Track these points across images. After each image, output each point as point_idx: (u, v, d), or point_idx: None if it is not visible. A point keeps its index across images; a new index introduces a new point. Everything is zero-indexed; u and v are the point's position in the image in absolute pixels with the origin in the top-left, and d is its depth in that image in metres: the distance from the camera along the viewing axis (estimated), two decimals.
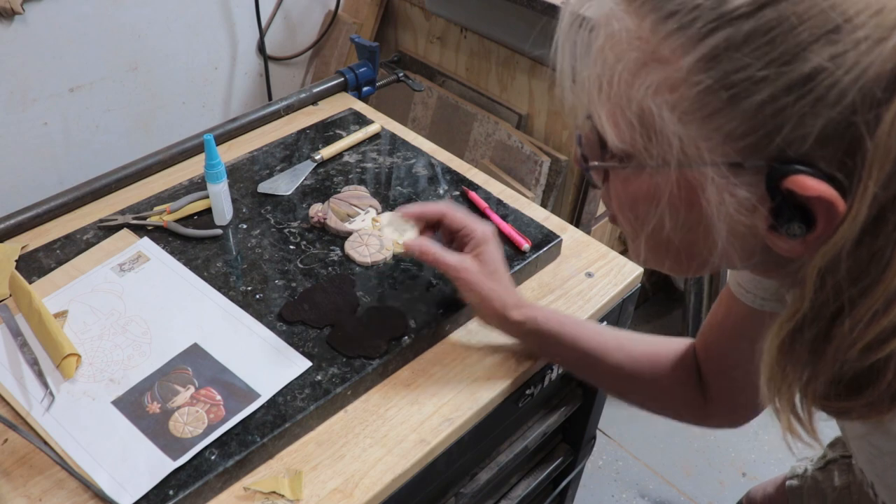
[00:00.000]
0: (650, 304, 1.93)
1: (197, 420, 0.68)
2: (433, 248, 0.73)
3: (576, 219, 1.35)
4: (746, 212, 0.42)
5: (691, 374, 0.73)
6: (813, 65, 0.36)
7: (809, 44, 0.36)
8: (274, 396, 0.70)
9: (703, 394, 0.73)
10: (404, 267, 0.85)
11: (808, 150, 0.38)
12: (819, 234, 0.40)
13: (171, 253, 0.85)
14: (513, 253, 0.87)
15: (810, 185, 0.38)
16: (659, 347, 0.75)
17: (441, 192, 0.95)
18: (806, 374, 0.43)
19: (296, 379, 0.72)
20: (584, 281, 0.87)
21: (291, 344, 0.75)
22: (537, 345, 0.77)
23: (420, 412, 0.73)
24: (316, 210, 0.90)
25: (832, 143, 0.38)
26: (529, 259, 0.86)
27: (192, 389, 0.71)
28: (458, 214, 0.75)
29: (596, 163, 0.48)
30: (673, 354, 0.74)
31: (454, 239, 0.77)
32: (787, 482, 0.94)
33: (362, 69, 1.14)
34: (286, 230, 0.88)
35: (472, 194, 0.94)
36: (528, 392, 0.80)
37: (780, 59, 0.37)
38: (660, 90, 0.41)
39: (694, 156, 0.42)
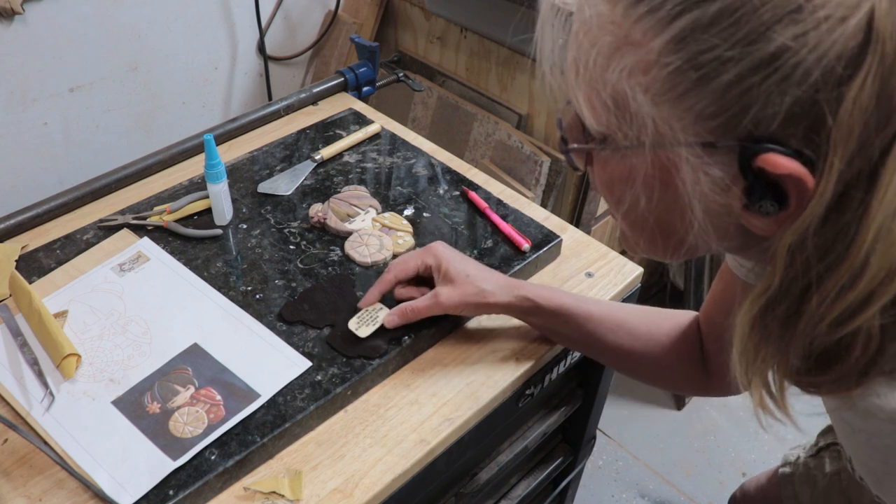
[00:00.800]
0: (650, 304, 1.93)
1: (197, 420, 0.68)
2: (406, 308, 0.76)
3: (576, 219, 1.35)
4: (721, 191, 0.43)
5: (693, 349, 0.74)
6: (777, 44, 0.37)
7: (773, 24, 0.37)
8: (274, 396, 0.70)
9: (705, 367, 0.73)
10: None
11: (778, 129, 0.39)
12: (791, 212, 0.41)
13: (171, 253, 0.85)
14: (513, 253, 0.87)
15: (781, 162, 0.39)
16: (661, 323, 0.76)
17: (441, 191, 0.95)
18: (777, 350, 0.44)
19: (296, 379, 0.72)
20: (584, 281, 0.87)
21: (291, 344, 0.75)
22: (537, 325, 0.78)
23: (420, 412, 0.73)
24: (316, 210, 0.90)
25: (800, 122, 0.39)
26: (529, 259, 0.86)
27: (192, 389, 0.71)
28: (406, 265, 0.77)
29: (575, 145, 0.50)
30: (675, 330, 0.75)
31: (421, 282, 0.79)
32: (780, 469, 0.94)
33: (362, 69, 1.14)
34: (286, 230, 0.88)
35: (472, 194, 0.94)
36: (528, 392, 0.80)
37: (746, 39, 0.38)
38: (633, 73, 0.42)
39: (668, 136, 0.43)
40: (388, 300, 0.80)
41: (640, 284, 0.90)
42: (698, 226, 0.45)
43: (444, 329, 0.79)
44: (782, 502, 0.93)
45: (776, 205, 0.41)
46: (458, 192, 0.95)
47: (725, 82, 0.39)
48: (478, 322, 0.82)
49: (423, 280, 0.79)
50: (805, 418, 0.50)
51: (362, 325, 0.76)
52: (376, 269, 0.84)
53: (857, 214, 0.38)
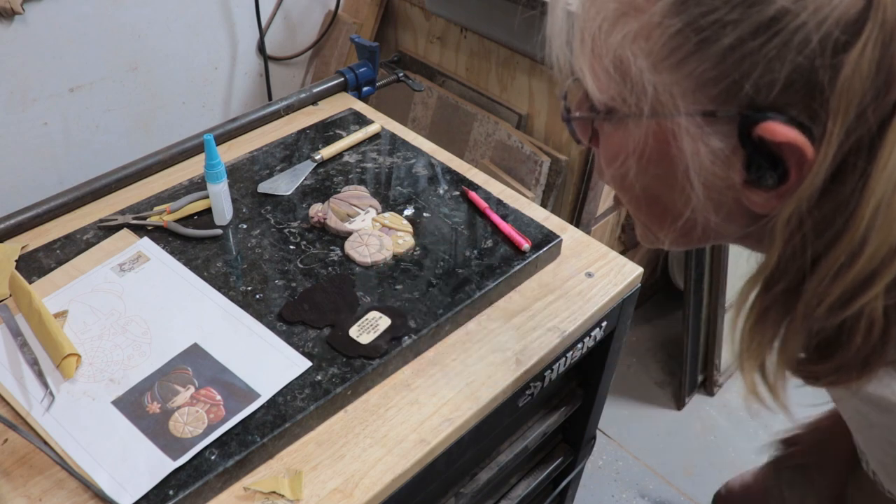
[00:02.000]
0: (650, 304, 1.93)
1: (197, 420, 0.68)
2: None
3: (576, 219, 1.35)
4: (721, 163, 0.43)
5: None
6: (777, 7, 0.37)
7: None
8: (274, 396, 0.70)
9: None
10: (404, 267, 0.85)
11: (777, 98, 0.39)
12: (791, 186, 0.40)
13: (171, 253, 0.85)
14: (513, 253, 0.87)
15: (780, 131, 0.39)
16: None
17: (441, 191, 0.95)
18: (775, 333, 0.44)
19: (296, 379, 0.72)
20: (584, 281, 0.87)
21: (291, 344, 0.75)
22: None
23: (420, 412, 0.73)
24: (316, 210, 0.90)
25: (799, 90, 0.38)
26: (529, 259, 0.86)
27: (192, 389, 0.71)
28: None
29: (577, 114, 0.50)
30: None
31: None
32: (765, 466, 0.95)
33: (362, 69, 1.14)
34: (286, 230, 0.88)
35: (472, 194, 0.94)
36: (528, 392, 0.80)
37: (746, 1, 0.38)
38: (636, 38, 0.42)
39: (668, 105, 0.43)
40: (388, 307, 0.80)
41: (639, 284, 0.90)
42: (697, 201, 0.45)
43: (444, 329, 0.79)
44: (767, 501, 0.93)
45: (775, 177, 0.41)
46: (458, 192, 0.95)
47: (725, 46, 0.39)
48: (478, 322, 0.82)
49: None
50: (804, 409, 0.49)
51: (363, 333, 0.76)
52: (376, 269, 0.84)
53: (856, 187, 0.38)
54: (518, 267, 0.85)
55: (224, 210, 0.88)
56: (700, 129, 0.42)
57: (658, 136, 0.44)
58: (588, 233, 1.23)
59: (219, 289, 0.81)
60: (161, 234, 0.87)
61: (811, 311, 0.41)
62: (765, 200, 0.42)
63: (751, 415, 0.52)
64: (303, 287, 0.81)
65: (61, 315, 0.78)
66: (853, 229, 0.38)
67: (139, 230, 0.88)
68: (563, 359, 0.83)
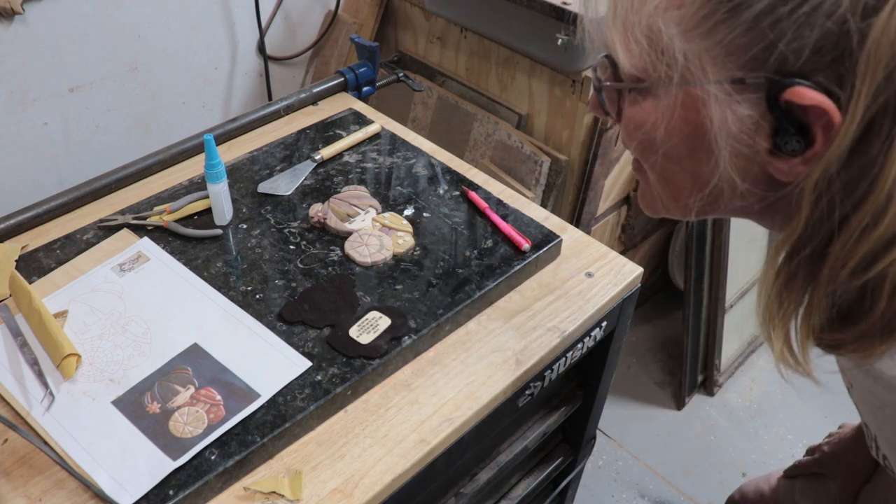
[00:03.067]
0: (650, 304, 1.93)
1: (197, 420, 0.68)
2: None
3: (576, 219, 1.35)
4: (748, 131, 0.43)
5: None
6: None
7: None
8: (274, 396, 0.70)
9: None
10: (404, 267, 0.85)
11: (805, 63, 0.40)
12: (818, 151, 0.41)
13: (171, 253, 0.85)
14: (513, 253, 0.87)
15: (808, 94, 0.40)
16: None
17: (441, 191, 0.95)
18: (801, 299, 0.44)
19: (296, 379, 0.72)
20: (584, 281, 0.87)
21: (291, 344, 0.75)
22: None
23: (420, 412, 0.73)
24: (316, 210, 0.90)
25: (827, 55, 0.39)
26: (529, 259, 0.86)
27: (192, 389, 0.71)
28: None
29: (609, 83, 0.50)
30: None
31: None
32: (782, 478, 0.94)
33: (362, 69, 1.14)
34: (286, 230, 0.88)
35: (472, 194, 0.94)
36: (528, 392, 0.80)
37: None
38: (668, 7, 0.43)
39: (698, 73, 0.43)
40: (388, 307, 0.80)
41: (639, 284, 0.90)
42: (724, 169, 0.45)
43: (444, 329, 0.79)
44: None
45: (802, 144, 0.41)
46: (458, 192, 0.95)
47: (756, 12, 0.40)
48: (478, 322, 0.82)
49: None
50: (825, 376, 0.49)
51: (363, 333, 0.76)
52: (376, 269, 0.84)
53: (882, 149, 0.38)
54: (518, 267, 0.85)
55: (224, 210, 0.88)
56: (728, 96, 0.43)
57: (686, 104, 0.45)
58: (588, 233, 1.23)
59: (219, 289, 0.81)
60: (161, 234, 0.87)
61: (836, 274, 0.41)
62: (790, 167, 0.43)
63: (784, 379, 0.51)
64: (303, 287, 0.81)
65: (61, 315, 0.78)
66: (878, 190, 0.39)
67: (139, 230, 0.88)
68: (563, 359, 0.83)
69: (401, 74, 1.21)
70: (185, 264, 0.83)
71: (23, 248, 0.86)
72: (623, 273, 0.88)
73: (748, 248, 1.72)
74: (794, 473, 0.94)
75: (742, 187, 0.47)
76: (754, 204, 0.49)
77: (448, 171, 0.99)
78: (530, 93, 1.30)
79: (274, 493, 0.65)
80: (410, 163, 1.00)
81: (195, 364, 0.73)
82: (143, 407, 0.69)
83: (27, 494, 0.64)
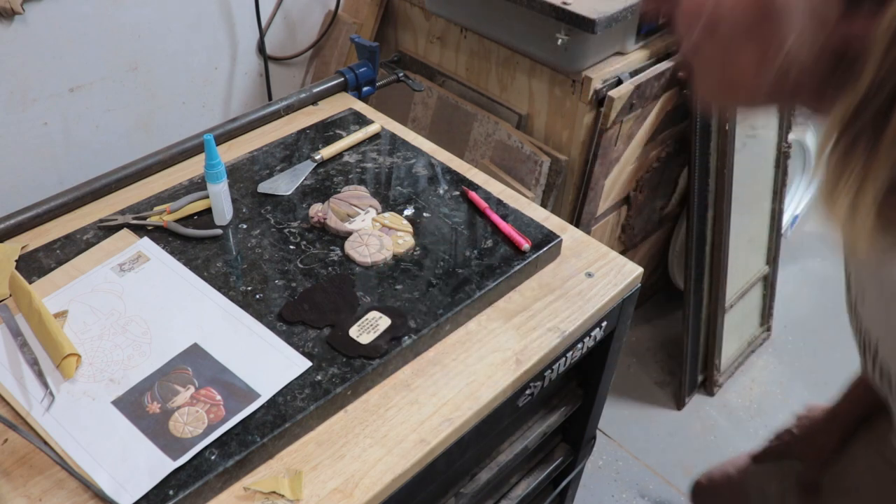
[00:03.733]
0: (650, 304, 1.93)
1: (197, 420, 0.68)
2: None
3: (576, 219, 1.35)
4: None
5: None
6: None
7: None
8: (274, 396, 0.70)
9: None
10: (404, 267, 0.85)
11: None
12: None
13: (171, 253, 0.85)
14: (513, 253, 0.87)
15: None
16: None
17: (441, 191, 0.95)
18: (863, 170, 0.42)
19: (296, 379, 0.72)
20: (584, 281, 0.87)
21: (291, 344, 0.75)
22: None
23: (420, 412, 0.73)
24: (316, 210, 0.90)
25: None
26: (529, 259, 0.86)
27: (192, 389, 0.71)
28: None
29: None
30: None
31: None
32: (750, 459, 0.95)
33: (362, 69, 1.14)
34: (286, 230, 0.88)
35: (472, 194, 0.94)
36: (528, 392, 0.80)
37: None
38: None
39: None
40: (388, 307, 0.80)
41: (639, 284, 0.90)
42: (793, 40, 0.43)
43: (444, 329, 0.79)
44: (747, 493, 0.94)
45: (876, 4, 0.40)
46: (458, 192, 0.95)
47: None
48: (478, 322, 0.82)
49: None
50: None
51: (363, 333, 0.76)
52: (376, 269, 0.84)
53: None
54: (518, 267, 0.85)
55: (224, 210, 0.88)
56: None
57: None
58: (588, 233, 1.23)
59: (219, 289, 0.81)
60: (161, 234, 0.87)
61: None
62: (864, 20, 0.41)
63: (857, 253, 0.48)
64: (303, 287, 0.81)
65: (61, 315, 0.78)
66: None
67: (139, 230, 0.88)
68: (563, 359, 0.83)
69: (401, 74, 1.22)
70: (185, 264, 0.83)
71: (23, 248, 0.86)
72: (623, 273, 0.88)
73: (748, 248, 1.72)
74: (762, 457, 0.94)
75: (807, 59, 0.45)
76: (813, 83, 0.47)
77: (448, 171, 0.99)
78: (530, 93, 1.30)
79: (274, 493, 0.65)
80: (410, 163, 1.00)
81: (195, 364, 0.73)
82: (143, 407, 0.69)
83: (27, 494, 0.64)
